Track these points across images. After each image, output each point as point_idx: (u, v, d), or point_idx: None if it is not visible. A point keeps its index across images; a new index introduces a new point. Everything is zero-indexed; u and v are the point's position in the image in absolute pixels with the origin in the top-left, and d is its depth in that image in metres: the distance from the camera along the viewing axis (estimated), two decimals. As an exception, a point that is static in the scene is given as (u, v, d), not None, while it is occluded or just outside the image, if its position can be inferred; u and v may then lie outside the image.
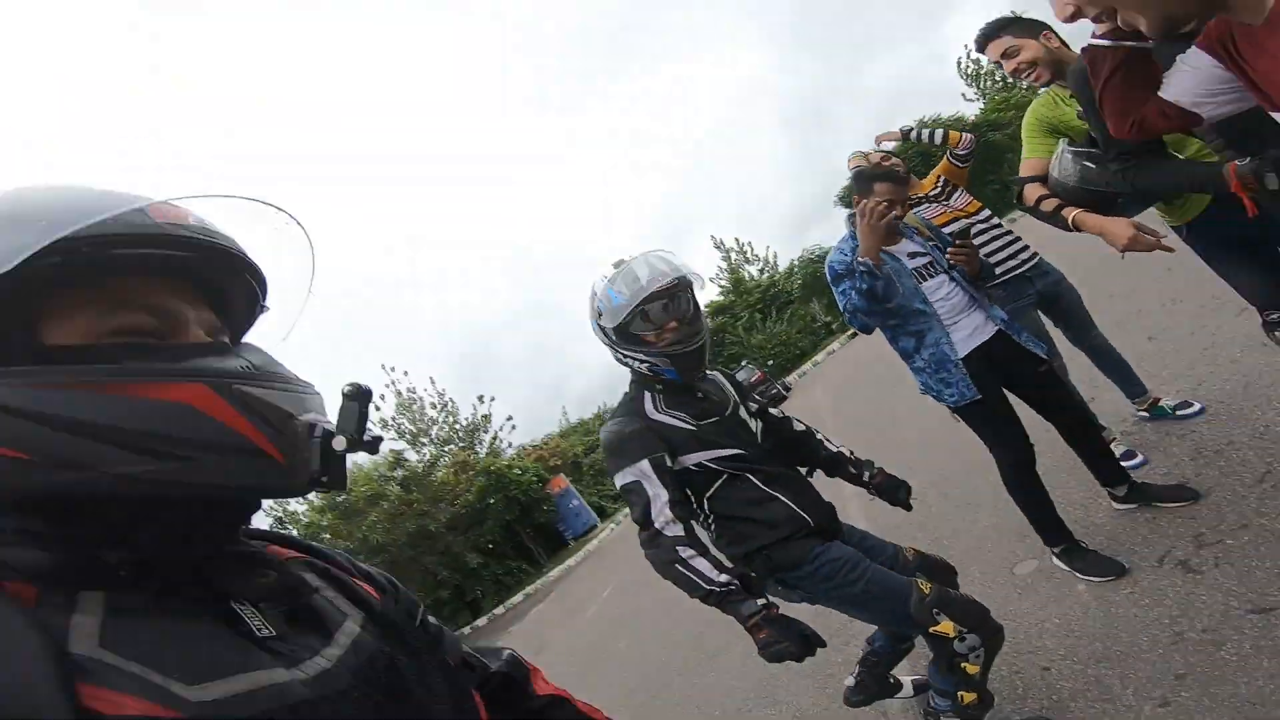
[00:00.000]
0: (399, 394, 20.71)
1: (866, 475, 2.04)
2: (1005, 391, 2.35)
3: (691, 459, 1.76)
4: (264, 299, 0.63)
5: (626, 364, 1.85)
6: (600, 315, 1.80)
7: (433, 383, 21.48)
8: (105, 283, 0.50)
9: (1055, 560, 2.44)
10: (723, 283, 31.98)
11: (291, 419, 0.51)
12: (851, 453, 2.10)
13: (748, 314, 28.42)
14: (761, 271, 32.09)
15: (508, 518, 18.24)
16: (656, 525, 1.64)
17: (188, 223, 0.52)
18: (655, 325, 1.75)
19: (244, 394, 0.49)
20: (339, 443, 0.51)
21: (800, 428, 2.10)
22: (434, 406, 21.12)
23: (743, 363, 23.13)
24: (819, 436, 2.10)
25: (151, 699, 0.43)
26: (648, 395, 1.82)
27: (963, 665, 1.69)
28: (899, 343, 2.38)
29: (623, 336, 1.78)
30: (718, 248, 32.27)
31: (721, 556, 1.70)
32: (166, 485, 0.47)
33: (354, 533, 15.51)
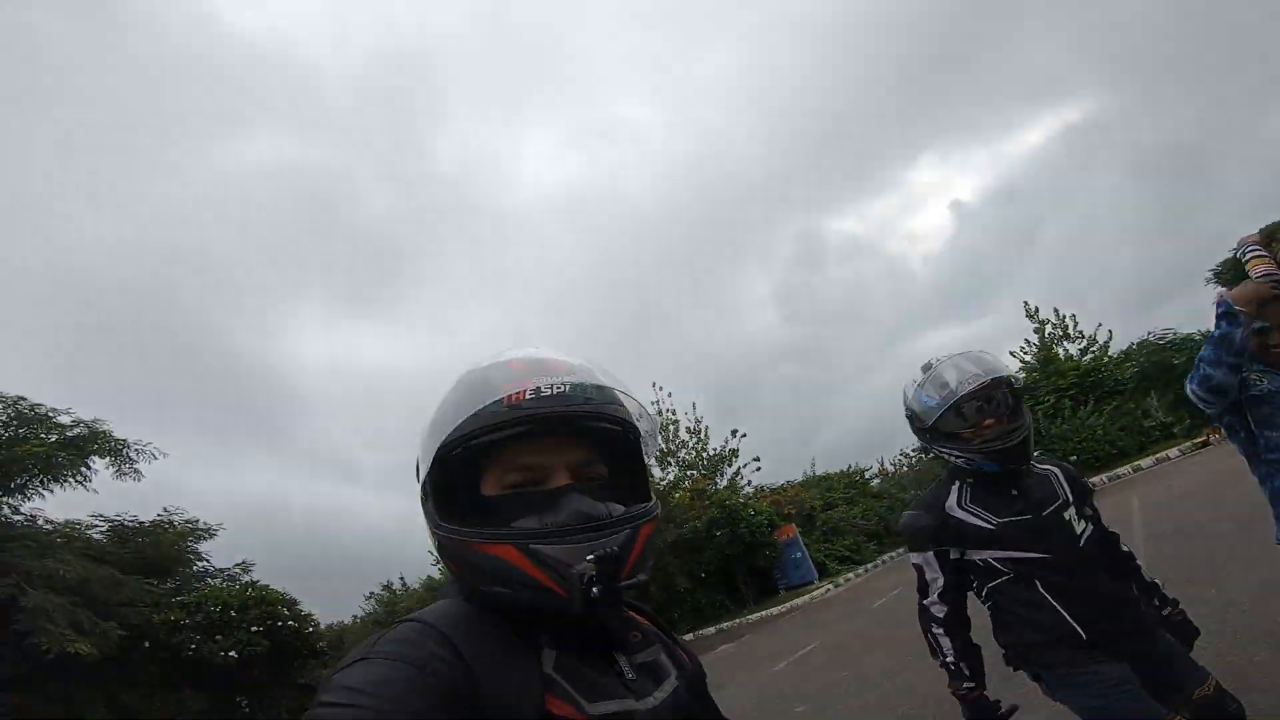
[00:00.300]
0: (660, 413, 22.22)
1: (1168, 611, 1.98)
2: None
3: (983, 555, 1.87)
4: (625, 423, 0.83)
5: (943, 457, 1.94)
6: (913, 417, 1.96)
7: (694, 408, 22.59)
8: (498, 454, 0.78)
9: None
10: (1028, 358, 27.68)
11: (570, 568, 0.71)
12: (1162, 584, 2.01)
13: (1054, 398, 24.12)
14: (1084, 352, 26.96)
15: (728, 552, 18.24)
16: (925, 602, 1.93)
17: (525, 400, 0.74)
18: (970, 423, 1.83)
19: (536, 551, 0.72)
20: (595, 591, 0.70)
21: (1125, 549, 2.00)
22: (689, 431, 22.18)
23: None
24: (1136, 562, 2.00)
25: (574, 709, 0.71)
26: (955, 488, 1.92)
27: None
28: (1273, 481, 2.07)
29: (937, 435, 1.89)
30: (1030, 317, 28.04)
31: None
32: (509, 600, 0.75)
33: None
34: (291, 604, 15.26)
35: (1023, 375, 26.15)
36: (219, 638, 13.81)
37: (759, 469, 22.21)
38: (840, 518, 22.11)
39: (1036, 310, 27.51)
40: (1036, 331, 27.40)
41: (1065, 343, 27.04)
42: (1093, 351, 26.48)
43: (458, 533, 0.75)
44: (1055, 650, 1.79)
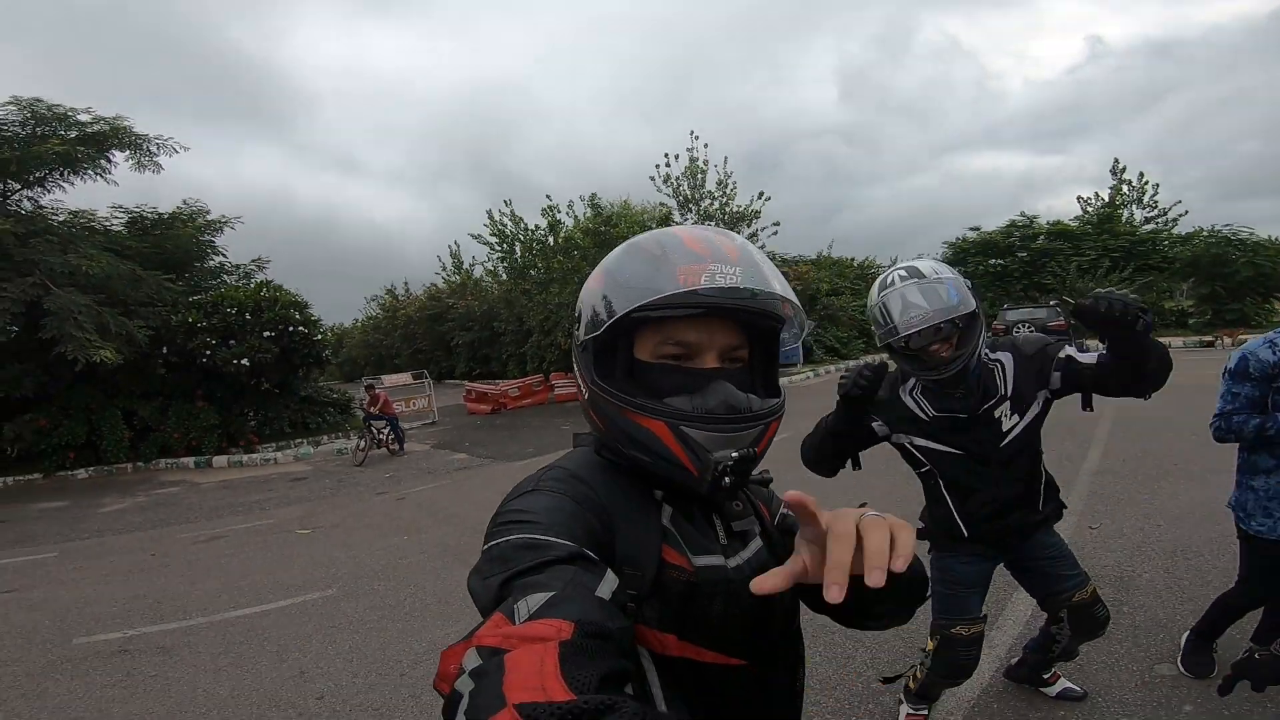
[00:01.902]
0: (692, 159, 21.04)
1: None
2: None
3: (913, 439, 2.09)
4: (781, 321, 0.87)
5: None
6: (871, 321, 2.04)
7: (724, 161, 21.36)
8: (659, 325, 0.81)
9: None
10: (1089, 209, 26.14)
11: (708, 454, 0.77)
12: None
13: (1094, 255, 23.37)
14: (1148, 220, 25.46)
15: None
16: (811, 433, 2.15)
17: (698, 284, 0.76)
18: (915, 348, 1.92)
19: (685, 432, 0.77)
20: (726, 481, 0.77)
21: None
22: (717, 183, 21.28)
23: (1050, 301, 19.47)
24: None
25: (683, 558, 0.80)
26: (909, 378, 2.07)
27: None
28: (1254, 454, 2.24)
29: (886, 348, 1.99)
30: (1113, 172, 25.77)
31: None
32: (646, 467, 0.80)
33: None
34: (303, 306, 15.06)
35: (1073, 225, 25.06)
36: (232, 343, 13.93)
37: (775, 234, 21.96)
38: (840, 307, 22.41)
39: (1123, 170, 25.29)
40: (1112, 188, 25.54)
41: (1134, 206, 25.43)
42: (1156, 223, 25.07)
43: (616, 396, 0.80)
44: (939, 537, 2.15)
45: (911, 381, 2.08)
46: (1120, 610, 3.18)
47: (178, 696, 3.28)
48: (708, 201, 21.31)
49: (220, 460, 12.80)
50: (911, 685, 2.39)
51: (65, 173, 12.82)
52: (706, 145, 21.10)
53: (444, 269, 31.62)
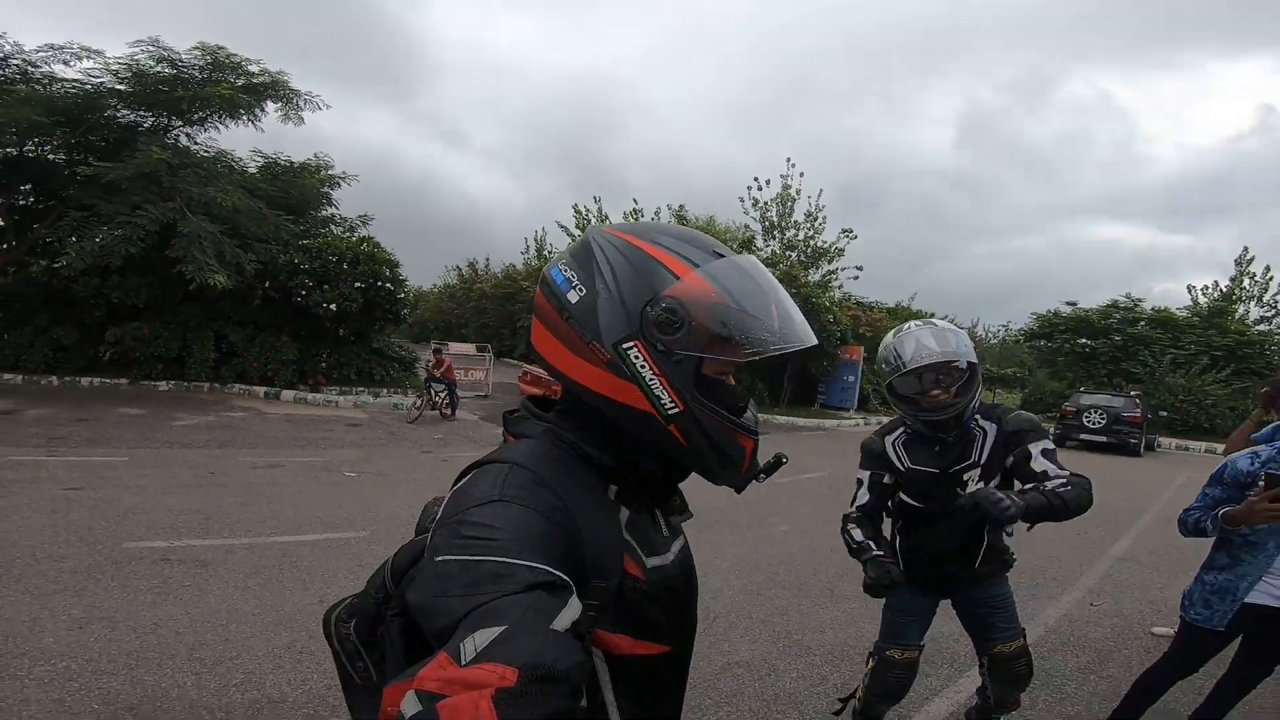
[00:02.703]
0: (785, 185, 20.91)
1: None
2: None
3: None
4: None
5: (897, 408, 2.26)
6: (880, 368, 2.26)
7: (819, 194, 21.12)
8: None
9: None
10: (1202, 300, 24.49)
11: (756, 463, 0.86)
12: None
13: (1194, 350, 21.89)
14: (1262, 320, 23.64)
15: None
16: (847, 512, 2.38)
17: (787, 331, 0.81)
18: (918, 390, 2.13)
19: (756, 445, 0.85)
20: (760, 478, 0.88)
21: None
22: (806, 214, 21.07)
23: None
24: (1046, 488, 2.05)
25: (639, 566, 0.81)
26: (899, 427, 2.31)
27: None
28: (1215, 551, 2.36)
29: (892, 391, 2.21)
30: (1238, 263, 24.02)
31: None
32: (694, 464, 0.85)
33: None
34: (394, 265, 15.88)
35: (1178, 314, 23.53)
36: (325, 287, 14.89)
37: (856, 278, 21.54)
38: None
39: (1250, 260, 23.54)
40: (1233, 279, 23.82)
41: (1251, 303, 23.65)
42: (1272, 323, 23.26)
43: (724, 418, 0.82)
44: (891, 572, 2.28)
45: (898, 432, 2.31)
46: (1087, 677, 3.46)
47: (204, 607, 3.58)
48: (793, 232, 21.16)
49: (288, 395, 13.62)
50: (857, 705, 2.56)
51: (224, 116, 14.11)
52: (802, 174, 20.81)
53: (527, 251, 32.53)
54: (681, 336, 0.78)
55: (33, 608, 3.37)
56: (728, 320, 0.78)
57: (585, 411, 0.84)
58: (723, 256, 0.83)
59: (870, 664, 2.42)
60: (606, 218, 20.87)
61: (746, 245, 18.98)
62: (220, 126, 14.47)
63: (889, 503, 2.38)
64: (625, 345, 0.78)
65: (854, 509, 2.36)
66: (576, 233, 21.09)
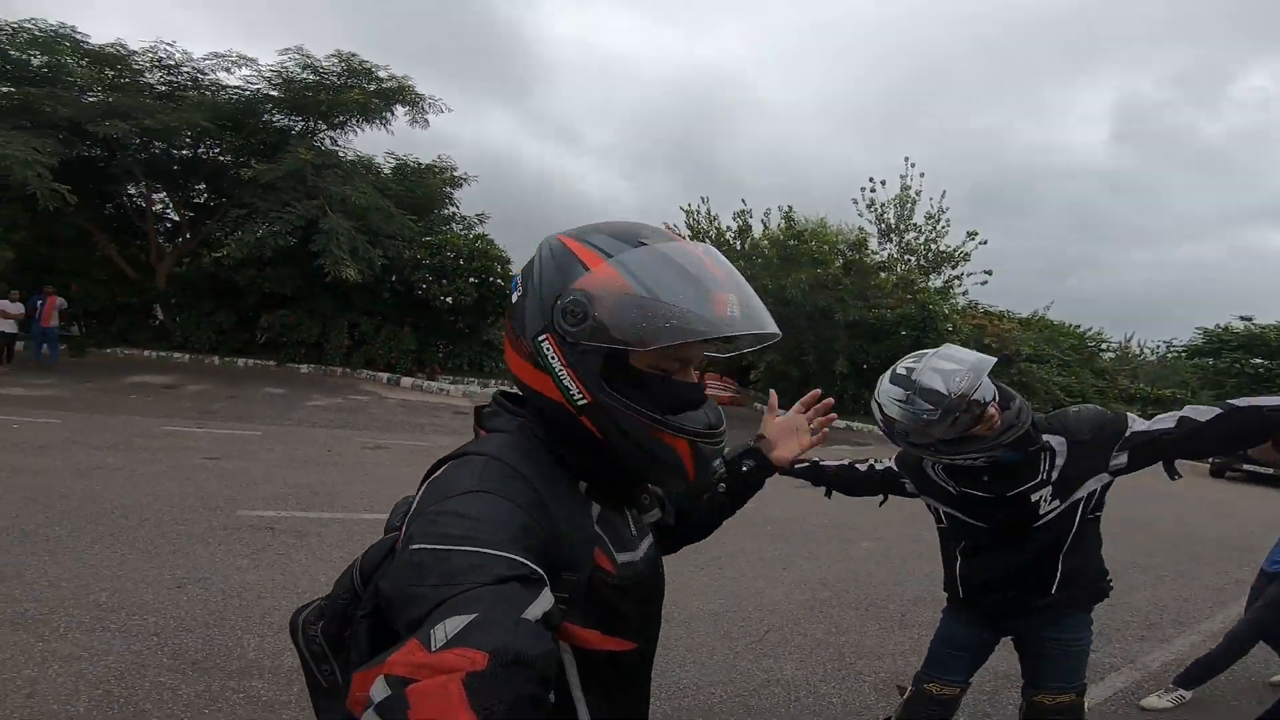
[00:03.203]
0: (904, 186, 19.83)
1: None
2: None
3: (937, 505, 2.04)
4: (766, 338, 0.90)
5: None
6: None
7: (941, 196, 19.84)
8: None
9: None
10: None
11: (709, 465, 0.84)
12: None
13: None
14: None
15: (899, 356, 17.27)
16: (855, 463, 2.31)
17: (728, 315, 0.77)
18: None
19: (700, 449, 0.82)
20: (721, 486, 0.93)
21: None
22: (927, 216, 19.87)
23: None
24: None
25: (609, 559, 0.82)
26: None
27: None
28: None
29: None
30: None
31: None
32: (632, 467, 0.84)
33: (780, 280, 16.72)
34: (505, 262, 16.69)
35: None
36: (443, 281, 15.89)
37: (985, 283, 20.02)
38: (1039, 378, 20.04)
39: None
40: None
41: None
42: None
43: (641, 414, 0.78)
44: (949, 593, 2.14)
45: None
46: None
47: (289, 575, 3.89)
48: (912, 234, 20.02)
49: (407, 381, 14.72)
50: None
51: (359, 119, 15.56)
52: (923, 175, 19.64)
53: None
54: (587, 328, 0.76)
55: (144, 566, 3.81)
56: (631, 308, 0.75)
57: (539, 407, 0.85)
58: (644, 244, 0.79)
59: (905, 694, 2.19)
60: (716, 218, 20.73)
61: (858, 248, 18.15)
62: (357, 130, 15.95)
63: (884, 495, 2.23)
64: (539, 338, 0.79)
65: (862, 468, 2.24)
66: (686, 233, 21.11)
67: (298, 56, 14.42)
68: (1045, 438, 1.84)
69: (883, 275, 18.58)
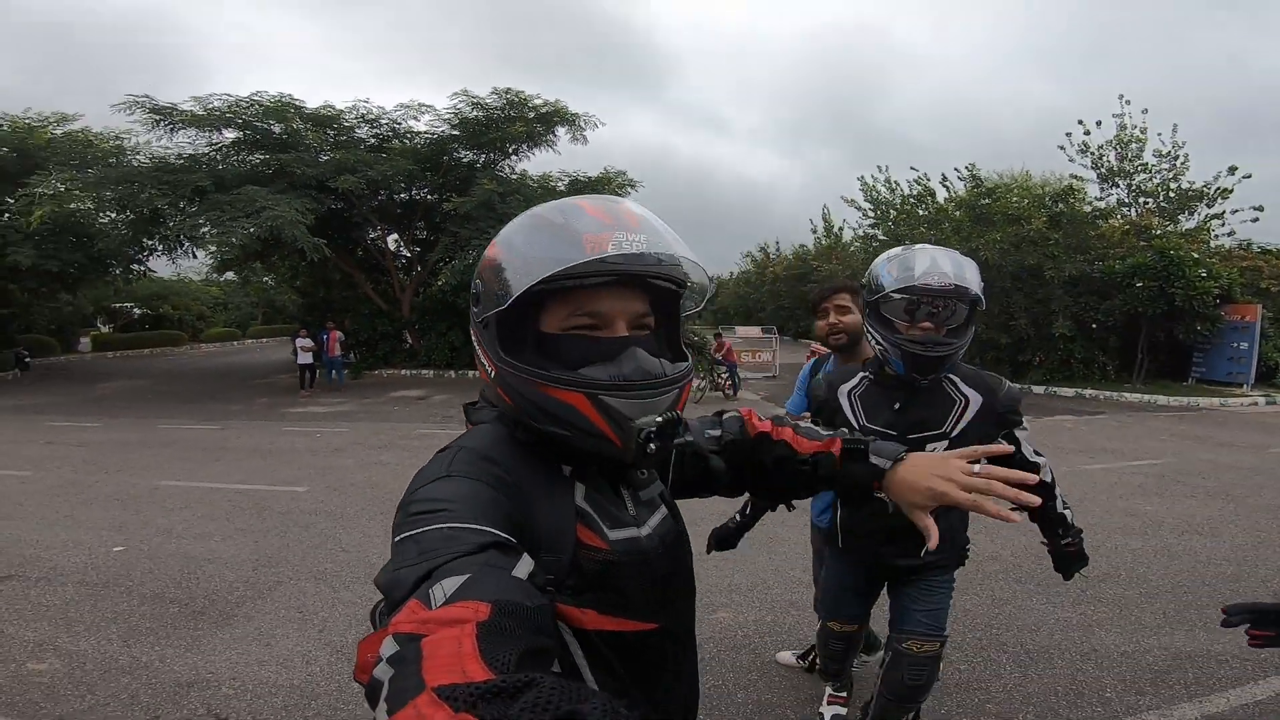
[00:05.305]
0: (1122, 127, 17.01)
1: (1065, 541, 2.01)
2: None
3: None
4: (686, 285, 0.88)
5: (867, 339, 1.94)
6: (866, 285, 1.89)
7: (1174, 130, 16.69)
8: (567, 296, 0.79)
9: None
10: None
11: (631, 422, 0.76)
12: (1070, 516, 2.02)
13: None
14: None
15: (1144, 310, 14.82)
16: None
17: (605, 252, 0.74)
18: (908, 317, 1.78)
19: (604, 402, 0.76)
20: (651, 447, 0.78)
21: (1046, 479, 1.90)
22: (1157, 154, 16.87)
23: None
24: (1051, 494, 1.95)
25: (598, 536, 0.81)
26: (858, 375, 1.99)
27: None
28: None
29: (876, 314, 1.85)
30: None
31: None
32: (567, 441, 0.79)
33: (973, 242, 15.30)
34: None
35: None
36: None
37: (1256, 219, 16.45)
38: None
39: None
40: None
41: None
42: None
43: (527, 371, 0.78)
44: (833, 537, 2.14)
45: (855, 380, 1.98)
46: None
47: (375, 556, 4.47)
48: (1143, 175, 17.14)
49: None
50: (816, 666, 2.53)
51: (529, 146, 17.52)
52: (1145, 111, 16.72)
53: (816, 231, 32.11)
54: (483, 305, 0.81)
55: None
56: (502, 270, 0.79)
57: None
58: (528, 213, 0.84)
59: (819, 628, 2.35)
60: (897, 185, 19.55)
61: (1066, 197, 15.98)
62: (529, 156, 17.97)
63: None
64: (471, 327, 0.87)
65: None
66: (866, 206, 20.22)
67: (465, 98, 16.42)
68: (965, 388, 1.85)
69: (1105, 223, 16.19)
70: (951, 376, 1.86)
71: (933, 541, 0.91)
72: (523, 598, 0.56)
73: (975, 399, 1.84)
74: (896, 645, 1.98)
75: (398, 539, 0.67)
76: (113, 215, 15.55)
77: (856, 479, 1.06)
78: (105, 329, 30.88)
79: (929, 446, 1.81)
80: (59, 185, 14.68)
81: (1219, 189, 16.44)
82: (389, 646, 0.51)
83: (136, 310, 32.20)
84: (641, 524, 0.88)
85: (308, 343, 14.91)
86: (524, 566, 0.62)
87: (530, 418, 0.80)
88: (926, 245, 1.82)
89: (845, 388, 1.99)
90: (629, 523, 0.86)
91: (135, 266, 18.20)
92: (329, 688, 2.91)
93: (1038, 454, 1.89)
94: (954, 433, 1.83)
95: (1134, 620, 3.53)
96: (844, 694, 2.67)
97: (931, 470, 0.96)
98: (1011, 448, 1.58)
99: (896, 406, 1.87)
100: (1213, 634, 3.31)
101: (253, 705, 2.77)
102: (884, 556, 1.99)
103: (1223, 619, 1.44)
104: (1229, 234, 17.04)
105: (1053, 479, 1.90)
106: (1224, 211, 16.65)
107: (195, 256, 17.39)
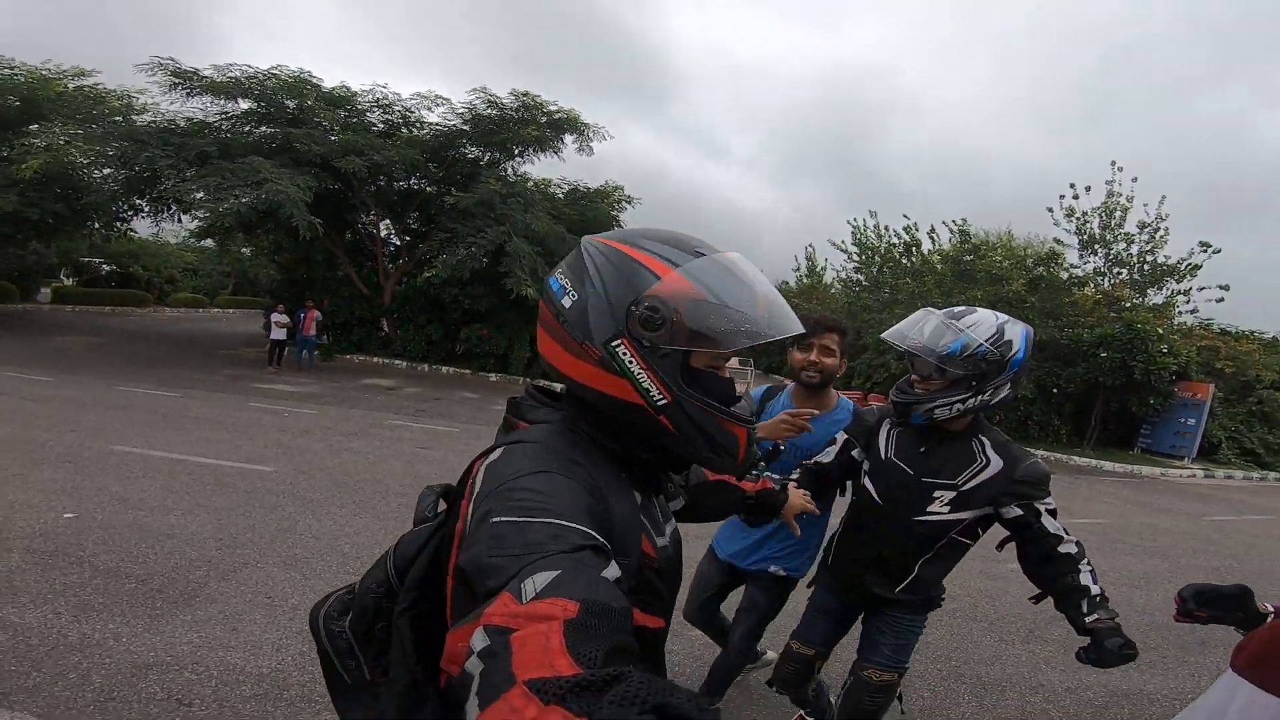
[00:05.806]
0: (1110, 193, 17.64)
1: (1091, 619, 1.91)
2: None
3: (863, 477, 2.16)
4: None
5: None
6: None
7: (1159, 202, 17.34)
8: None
9: None
10: None
11: (753, 448, 0.93)
12: (1099, 594, 1.93)
13: None
14: None
15: (1103, 380, 15.46)
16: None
17: (771, 320, 0.85)
18: (910, 366, 1.99)
19: (750, 433, 0.91)
20: (759, 467, 1.11)
21: (1062, 551, 1.93)
22: (1140, 225, 17.51)
23: None
24: (1069, 568, 1.95)
25: (651, 546, 0.89)
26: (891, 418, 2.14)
27: None
28: None
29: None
30: None
31: None
32: (692, 455, 0.89)
33: (952, 299, 15.72)
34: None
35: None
36: None
37: (1220, 300, 17.08)
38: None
39: None
40: None
41: None
42: None
43: (714, 407, 0.86)
44: (824, 555, 2.33)
45: (890, 422, 2.13)
46: None
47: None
48: (1122, 245, 17.76)
49: (579, 390, 16.09)
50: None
51: (535, 150, 17.47)
52: (1135, 179, 17.36)
53: (798, 269, 32.55)
54: (665, 333, 0.82)
55: (374, 526, 4.89)
56: (708, 315, 0.82)
57: (586, 404, 0.90)
58: (703, 255, 0.86)
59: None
60: (887, 230, 20.01)
61: (1048, 262, 16.53)
62: (534, 160, 17.97)
63: (843, 486, 2.29)
64: (614, 343, 0.84)
65: (811, 462, 2.23)
66: (853, 250, 20.62)
67: (483, 95, 16.48)
68: (990, 452, 1.95)
69: (1079, 291, 16.74)
70: (983, 438, 1.98)
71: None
72: (610, 599, 0.57)
73: (996, 464, 1.94)
74: (858, 671, 2.14)
75: (496, 520, 0.68)
76: (109, 171, 15.21)
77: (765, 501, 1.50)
78: (68, 281, 29.86)
79: (936, 494, 1.96)
80: (61, 138, 14.33)
81: (1189, 265, 17.07)
82: (480, 639, 0.53)
83: (106, 266, 31.22)
84: (665, 532, 0.97)
85: (284, 319, 14.59)
86: (613, 570, 0.64)
87: (689, 444, 0.87)
88: (932, 310, 1.94)
89: (889, 421, 2.14)
90: (663, 530, 0.95)
91: (118, 224, 17.77)
92: (302, 678, 2.83)
93: (1065, 531, 1.92)
94: (964, 487, 1.94)
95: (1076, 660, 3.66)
96: (801, 713, 2.70)
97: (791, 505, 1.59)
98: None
99: (922, 450, 2.01)
100: (1145, 674, 3.81)
101: (218, 691, 2.68)
102: (866, 582, 2.12)
103: (1178, 606, 1.64)
104: (1192, 311, 17.73)
105: (1079, 553, 1.90)
106: (1190, 289, 17.30)
107: (180, 221, 17.04)
